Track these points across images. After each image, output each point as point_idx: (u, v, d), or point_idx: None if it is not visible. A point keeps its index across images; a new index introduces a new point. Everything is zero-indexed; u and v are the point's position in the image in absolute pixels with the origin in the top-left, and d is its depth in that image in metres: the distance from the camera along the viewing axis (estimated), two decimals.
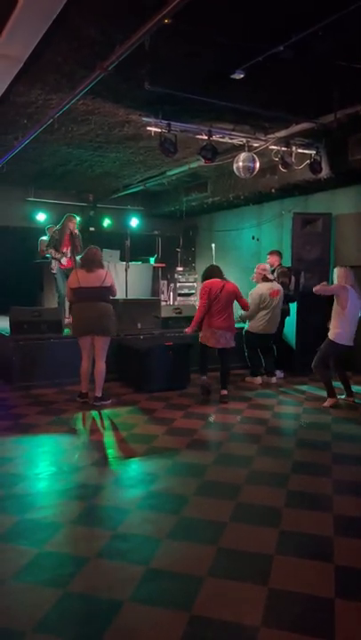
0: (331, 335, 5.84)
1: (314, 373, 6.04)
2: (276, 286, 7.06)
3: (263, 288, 6.96)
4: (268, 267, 7.27)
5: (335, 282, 5.93)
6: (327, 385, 5.94)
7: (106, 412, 5.57)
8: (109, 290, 5.84)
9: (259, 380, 7.06)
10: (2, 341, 6.98)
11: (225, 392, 6.07)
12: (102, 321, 5.69)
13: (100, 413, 5.51)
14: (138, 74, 5.10)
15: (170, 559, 2.71)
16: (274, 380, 7.12)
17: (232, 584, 2.49)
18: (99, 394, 5.75)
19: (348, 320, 5.76)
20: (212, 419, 5.16)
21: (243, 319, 7.12)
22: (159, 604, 2.34)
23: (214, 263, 7.14)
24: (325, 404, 5.90)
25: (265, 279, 7.03)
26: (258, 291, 6.97)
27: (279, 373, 7.31)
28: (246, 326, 7.16)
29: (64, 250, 8.10)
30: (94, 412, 5.53)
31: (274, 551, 2.79)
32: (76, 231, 8.21)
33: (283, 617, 2.26)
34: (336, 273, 5.96)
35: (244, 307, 6.27)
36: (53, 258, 8.06)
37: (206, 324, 6.04)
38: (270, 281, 7.06)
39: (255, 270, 7.17)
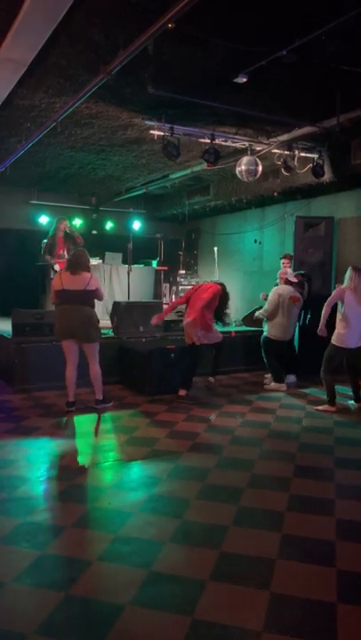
0: (332, 338, 5.84)
1: (321, 378, 6.01)
2: (298, 293, 6.89)
3: (285, 290, 6.83)
4: (289, 270, 7.13)
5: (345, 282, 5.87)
6: (328, 390, 5.89)
7: (107, 414, 5.57)
8: (94, 293, 5.64)
9: (284, 386, 6.89)
10: (4, 344, 6.99)
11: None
12: (85, 328, 5.50)
13: (101, 416, 5.51)
14: (141, 77, 5.12)
15: (172, 563, 2.70)
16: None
17: (234, 588, 2.49)
18: (100, 396, 5.72)
19: (346, 322, 5.71)
20: (213, 417, 5.15)
21: (261, 316, 7.03)
22: (161, 607, 2.33)
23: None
24: (320, 407, 5.87)
25: (287, 282, 6.89)
26: (278, 290, 6.85)
27: (292, 378, 7.24)
28: (265, 332, 7.03)
29: (60, 252, 8.15)
30: (95, 415, 5.53)
31: (276, 555, 2.78)
32: (70, 227, 8.34)
33: (285, 621, 2.25)
34: (347, 273, 5.86)
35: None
36: (49, 263, 8.14)
37: None
38: (292, 284, 6.88)
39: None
